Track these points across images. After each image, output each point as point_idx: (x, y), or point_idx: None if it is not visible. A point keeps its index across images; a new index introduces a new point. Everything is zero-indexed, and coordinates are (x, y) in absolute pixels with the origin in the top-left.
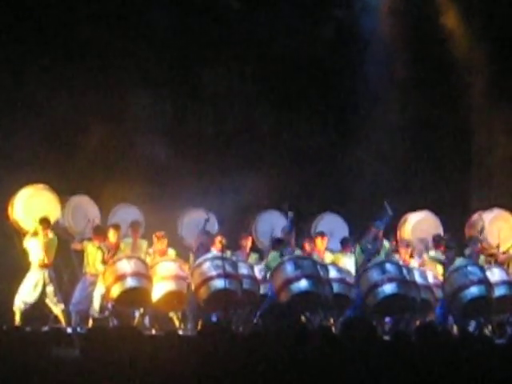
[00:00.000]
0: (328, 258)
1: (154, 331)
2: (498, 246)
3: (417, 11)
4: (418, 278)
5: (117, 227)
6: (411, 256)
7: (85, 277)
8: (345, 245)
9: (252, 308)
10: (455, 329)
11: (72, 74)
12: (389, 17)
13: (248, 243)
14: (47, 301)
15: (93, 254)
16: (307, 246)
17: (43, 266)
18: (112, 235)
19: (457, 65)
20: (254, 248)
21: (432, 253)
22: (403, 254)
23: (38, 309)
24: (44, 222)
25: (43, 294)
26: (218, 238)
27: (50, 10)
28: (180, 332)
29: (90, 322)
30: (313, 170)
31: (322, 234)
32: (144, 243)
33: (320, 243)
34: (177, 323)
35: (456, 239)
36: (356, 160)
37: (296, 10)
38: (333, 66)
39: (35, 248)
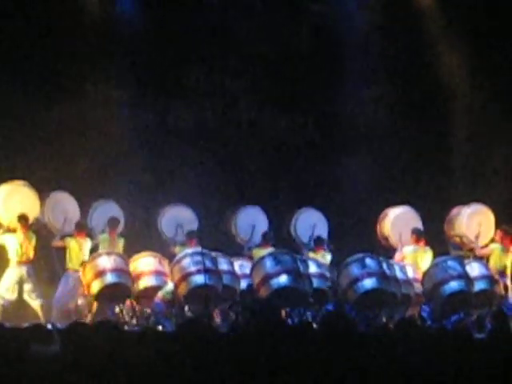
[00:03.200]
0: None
1: (133, 327)
2: (477, 237)
3: (396, 8)
4: (398, 273)
5: None
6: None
7: (67, 272)
8: (318, 244)
9: (232, 303)
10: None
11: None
12: (367, 11)
13: None
14: (25, 297)
15: (75, 249)
16: None
17: (21, 262)
18: None
19: (437, 59)
20: (234, 244)
21: (410, 247)
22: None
23: (17, 305)
24: (22, 218)
25: (21, 290)
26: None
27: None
28: (160, 327)
29: (69, 318)
30: (294, 166)
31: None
32: (121, 240)
33: None
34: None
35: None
36: (336, 156)
37: (277, 5)
38: (313, 61)
39: (13, 245)
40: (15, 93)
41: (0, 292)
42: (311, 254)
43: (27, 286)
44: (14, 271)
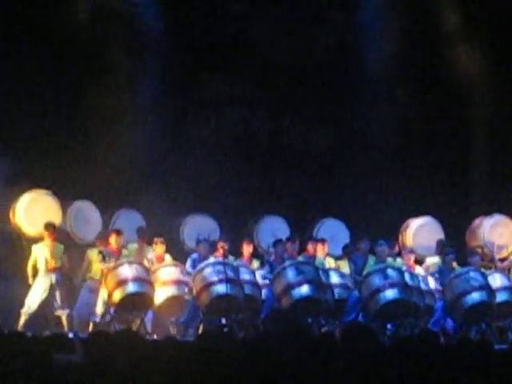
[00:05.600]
0: (329, 263)
1: (155, 336)
2: (497, 248)
3: (419, 13)
4: (421, 284)
5: (118, 232)
6: (416, 262)
7: (87, 283)
8: (346, 251)
9: (253, 313)
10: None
11: (71, 75)
12: (389, 21)
13: (249, 249)
14: (54, 305)
15: (95, 260)
16: (310, 248)
17: (51, 270)
18: (114, 240)
19: (458, 70)
20: (255, 254)
21: (435, 259)
22: (407, 260)
23: (40, 313)
24: (49, 226)
25: (50, 298)
26: (220, 244)
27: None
28: (181, 337)
29: (91, 327)
30: (315, 176)
31: (323, 241)
32: (149, 249)
33: (321, 249)
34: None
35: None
36: (357, 166)
37: (296, 13)
38: (333, 71)
39: (42, 253)
40: (38, 101)
41: (28, 302)
42: (337, 262)
43: (56, 294)
44: (44, 280)
